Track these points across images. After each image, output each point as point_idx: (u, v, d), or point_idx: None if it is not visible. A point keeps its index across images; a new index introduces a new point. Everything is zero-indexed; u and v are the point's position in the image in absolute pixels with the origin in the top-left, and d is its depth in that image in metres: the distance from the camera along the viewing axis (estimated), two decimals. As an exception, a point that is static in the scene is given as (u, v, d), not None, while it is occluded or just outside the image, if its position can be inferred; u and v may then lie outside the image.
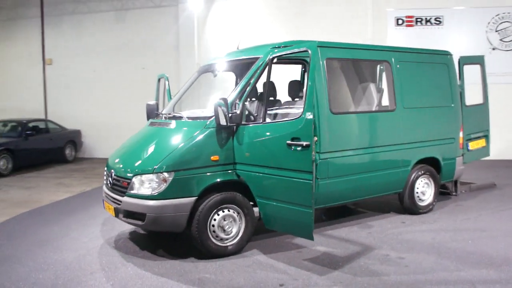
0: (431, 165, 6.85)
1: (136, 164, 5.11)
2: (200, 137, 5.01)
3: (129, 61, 14.31)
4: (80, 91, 14.72)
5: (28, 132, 11.99)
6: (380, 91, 6.50)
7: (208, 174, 4.99)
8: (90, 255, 5.29)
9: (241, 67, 5.99)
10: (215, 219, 5.02)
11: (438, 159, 6.87)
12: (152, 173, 4.86)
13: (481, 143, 7.75)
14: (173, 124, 5.46)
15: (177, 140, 5.10)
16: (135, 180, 4.95)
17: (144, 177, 4.90)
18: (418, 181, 6.68)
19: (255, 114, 5.62)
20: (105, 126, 14.43)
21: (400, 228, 6.10)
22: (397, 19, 12.61)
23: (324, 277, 4.47)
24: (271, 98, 6.84)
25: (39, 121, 13.20)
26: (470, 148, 7.52)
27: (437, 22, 12.38)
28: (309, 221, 4.41)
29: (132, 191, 4.97)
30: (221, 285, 4.35)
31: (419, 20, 12.49)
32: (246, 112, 5.24)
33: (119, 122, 13.97)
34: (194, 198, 4.91)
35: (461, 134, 7.17)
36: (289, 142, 4.49)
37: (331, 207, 6.26)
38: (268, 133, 4.85)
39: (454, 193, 7.85)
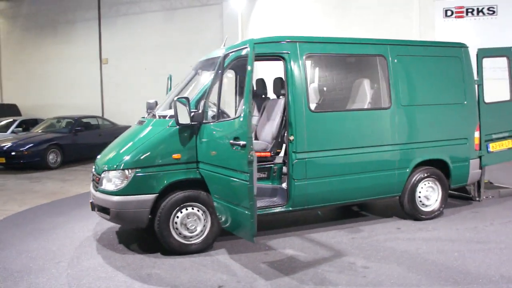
0: (439, 168, 6.29)
1: (106, 161, 5.27)
2: (162, 135, 5.05)
3: (177, 59, 14.75)
4: (132, 88, 15.48)
5: (77, 128, 12.81)
6: (374, 88, 6.08)
7: (169, 172, 5.00)
8: (70, 246, 5.54)
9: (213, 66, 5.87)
10: (178, 217, 5.03)
11: (446, 161, 6.28)
12: (115, 169, 4.99)
13: (506, 144, 6.95)
14: (145, 122, 5.56)
15: (142, 138, 5.17)
16: (103, 176, 5.11)
17: (110, 173, 5.04)
18: (421, 185, 6.17)
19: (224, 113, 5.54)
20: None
21: (390, 234, 5.68)
22: (446, 10, 11.73)
23: (269, 282, 4.30)
24: (263, 96, 6.73)
25: (91, 118, 14.02)
26: (491, 149, 6.77)
27: (491, 12, 11.31)
28: (248, 223, 4.25)
29: (101, 187, 5.14)
30: (164, 282, 4.36)
31: (470, 10, 11.51)
32: (213, 111, 5.18)
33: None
34: (154, 195, 4.95)
35: (477, 134, 6.49)
36: (231, 141, 4.38)
37: (322, 208, 6.00)
38: (216, 132, 4.77)
39: (477, 199, 7.15)
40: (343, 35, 6.28)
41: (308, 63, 5.47)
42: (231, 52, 5.00)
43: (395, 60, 5.90)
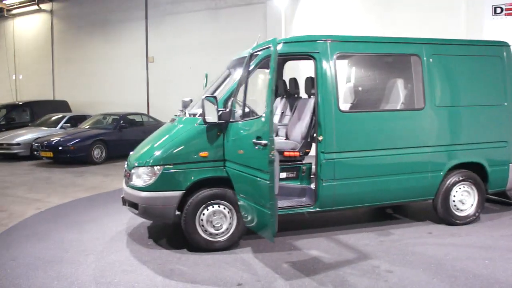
0: (475, 171, 6.04)
1: (137, 157, 5.43)
2: (191, 133, 5.14)
3: (221, 58, 14.79)
4: (177, 86, 15.77)
5: (122, 124, 13.23)
6: (407, 88, 5.91)
7: (196, 169, 5.09)
8: (102, 239, 5.75)
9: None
10: (204, 214, 5.12)
11: (483, 164, 6.03)
12: (144, 166, 5.13)
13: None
14: (176, 120, 5.68)
15: (172, 136, 5.29)
16: (133, 172, 5.27)
17: (139, 169, 5.19)
18: (455, 189, 5.95)
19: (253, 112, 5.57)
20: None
21: (421, 239, 5.52)
22: (495, 8, 11.16)
23: (288, 282, 4.30)
24: (295, 95, 6.71)
25: (136, 115, 14.45)
26: (533, 153, 6.42)
27: (544, 8, 10.70)
28: (268, 222, 4.26)
29: (131, 182, 5.31)
30: (185, 278, 4.45)
31: (521, 6, 10.92)
32: (241, 110, 5.22)
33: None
34: (181, 192, 5.05)
35: (517, 137, 6.19)
36: (254, 141, 4.41)
37: (352, 209, 5.91)
38: (242, 131, 4.80)
39: (519, 205, 6.83)
40: (385, 34, 6.17)
41: (340, 62, 5.38)
42: (258, 51, 5.03)
43: (430, 60, 5.72)
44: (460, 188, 5.98)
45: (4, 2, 19.26)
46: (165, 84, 16.03)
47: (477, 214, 6.06)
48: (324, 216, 6.46)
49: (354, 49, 5.64)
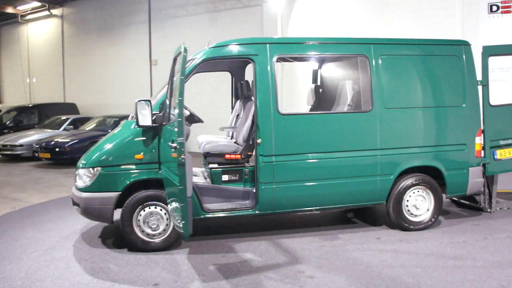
0: (432, 175, 5.86)
1: (82, 159, 5.55)
2: (127, 136, 5.23)
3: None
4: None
5: (121, 126, 13.46)
6: (355, 89, 5.78)
7: (132, 171, 5.16)
8: (55, 237, 5.88)
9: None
10: (141, 215, 5.18)
11: (439, 168, 5.83)
12: (84, 167, 5.26)
13: (517, 151, 6.29)
14: (121, 123, 5.77)
15: (111, 138, 5.40)
16: (77, 173, 5.41)
17: (80, 171, 5.32)
18: (409, 193, 5.78)
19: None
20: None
21: (365, 244, 5.38)
22: (491, 5, 10.79)
23: (204, 284, 4.31)
24: (248, 98, 6.68)
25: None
26: (498, 157, 6.17)
27: (542, 6, 10.26)
28: (181, 224, 4.27)
29: (75, 183, 5.44)
30: (109, 276, 4.54)
31: (518, 4, 10.51)
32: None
33: (209, 118, 14.79)
34: (118, 193, 5.14)
35: (478, 140, 5.95)
36: (169, 144, 4.45)
37: (295, 213, 5.86)
38: (168, 135, 4.83)
39: (488, 210, 6.55)
40: (383, 33, 6.08)
41: (281, 65, 5.36)
42: (177, 55, 5.05)
43: (379, 61, 5.59)
44: (414, 193, 5.81)
45: (18, 8, 20.05)
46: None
47: (433, 219, 5.87)
48: (278, 219, 6.42)
49: (295, 51, 5.58)
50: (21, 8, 20.44)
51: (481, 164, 6.05)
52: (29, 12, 20.82)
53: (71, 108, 17.36)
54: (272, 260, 4.92)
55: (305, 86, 7.10)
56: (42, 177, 10.90)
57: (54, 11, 20.03)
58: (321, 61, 6.07)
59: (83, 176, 5.26)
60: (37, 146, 12.57)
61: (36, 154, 12.68)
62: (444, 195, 5.99)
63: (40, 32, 21.09)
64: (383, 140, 5.58)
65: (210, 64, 5.98)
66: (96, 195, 5.16)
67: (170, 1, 15.85)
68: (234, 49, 5.42)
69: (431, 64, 5.83)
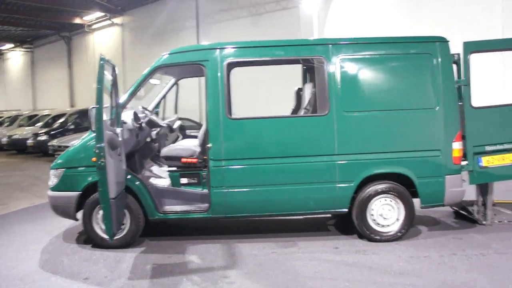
0: (402, 183, 5.48)
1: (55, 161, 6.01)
2: (87, 140, 5.57)
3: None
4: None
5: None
6: (311, 93, 5.57)
7: (89, 173, 5.47)
8: (41, 231, 6.46)
9: None
10: (99, 213, 5.48)
11: (409, 176, 5.43)
12: (53, 168, 5.70)
13: (509, 157, 5.62)
14: (93, 127, 6.13)
15: (79, 142, 5.77)
16: (50, 173, 5.88)
17: (51, 171, 5.78)
18: (375, 202, 5.47)
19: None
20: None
21: (315, 253, 5.18)
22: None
23: (128, 281, 4.52)
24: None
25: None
26: (483, 164, 5.58)
27: None
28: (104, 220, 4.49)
29: (49, 182, 5.92)
30: (54, 268, 4.93)
31: None
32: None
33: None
34: (78, 193, 5.50)
35: (457, 145, 5.43)
36: (95, 149, 4.65)
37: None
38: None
39: (482, 222, 5.98)
40: (417, 31, 5.91)
41: (233, 69, 5.37)
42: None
43: (338, 62, 5.36)
44: (380, 201, 5.48)
45: (84, 18, 21.85)
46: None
47: (403, 230, 5.49)
48: (245, 222, 6.47)
49: (248, 55, 5.54)
50: (87, 18, 22.24)
51: (462, 172, 5.53)
52: (94, 22, 22.56)
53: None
54: (208, 264, 4.97)
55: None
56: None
57: (115, 20, 21.53)
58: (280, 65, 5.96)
59: (51, 176, 5.70)
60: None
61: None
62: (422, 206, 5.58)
63: (104, 40, 22.80)
64: (342, 145, 5.35)
65: (186, 69, 6.14)
66: (60, 194, 5.58)
67: (216, 6, 16.34)
68: (186, 55, 5.53)
69: (398, 64, 5.47)
